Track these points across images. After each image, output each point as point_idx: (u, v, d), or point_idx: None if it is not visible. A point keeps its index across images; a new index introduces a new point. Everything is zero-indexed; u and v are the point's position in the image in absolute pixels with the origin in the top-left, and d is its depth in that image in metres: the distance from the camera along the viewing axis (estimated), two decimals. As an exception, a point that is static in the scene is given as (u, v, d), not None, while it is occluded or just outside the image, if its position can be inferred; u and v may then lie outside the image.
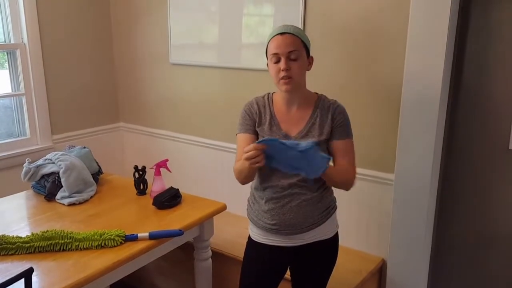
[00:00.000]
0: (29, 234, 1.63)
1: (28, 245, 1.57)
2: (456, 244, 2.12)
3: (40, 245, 1.57)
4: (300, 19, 2.20)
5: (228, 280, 2.19)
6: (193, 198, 2.08)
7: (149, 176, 2.13)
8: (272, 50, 1.53)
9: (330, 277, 2.05)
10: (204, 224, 1.95)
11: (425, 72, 1.90)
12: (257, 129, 1.63)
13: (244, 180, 1.62)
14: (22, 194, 2.14)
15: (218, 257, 2.18)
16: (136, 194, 2.12)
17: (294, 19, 2.21)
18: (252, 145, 1.42)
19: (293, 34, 1.52)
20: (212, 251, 2.08)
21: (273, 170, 1.56)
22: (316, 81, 2.23)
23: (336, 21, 2.12)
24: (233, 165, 1.65)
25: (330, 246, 1.69)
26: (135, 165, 2.11)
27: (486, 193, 2.00)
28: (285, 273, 1.74)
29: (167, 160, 2.10)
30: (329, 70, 2.18)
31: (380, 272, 2.21)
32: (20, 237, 1.61)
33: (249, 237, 1.73)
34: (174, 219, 1.86)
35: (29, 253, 1.57)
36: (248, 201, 1.72)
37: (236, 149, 1.68)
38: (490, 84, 1.92)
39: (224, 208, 2.01)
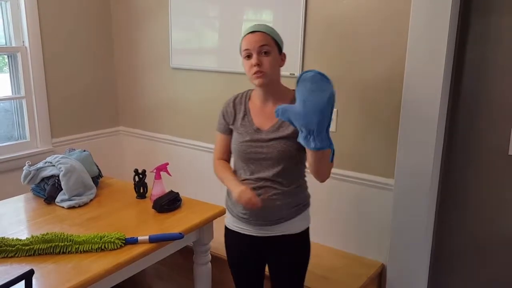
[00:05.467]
0: (29, 236, 1.62)
1: (28, 247, 1.57)
2: (455, 249, 2.13)
3: (40, 247, 1.57)
4: (300, 25, 2.21)
5: (227, 285, 2.18)
6: (193, 202, 2.08)
7: (149, 179, 2.13)
8: (243, 47, 1.58)
9: (330, 282, 2.06)
10: (204, 228, 1.95)
11: (425, 78, 1.91)
12: (231, 127, 1.70)
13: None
14: (22, 197, 2.14)
15: (218, 261, 2.18)
16: (136, 197, 2.12)
17: (294, 25, 2.23)
18: (250, 196, 1.52)
19: (263, 31, 1.57)
20: (211, 255, 2.07)
21: (247, 163, 1.63)
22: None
23: (337, 27, 2.13)
24: (213, 161, 1.76)
25: (299, 241, 1.71)
26: (135, 169, 2.12)
27: (486, 199, 2.01)
28: (264, 264, 1.77)
29: (167, 164, 2.10)
30: (329, 75, 2.19)
31: (380, 277, 2.21)
32: (20, 240, 1.60)
33: (225, 225, 1.80)
34: (174, 223, 1.86)
35: (29, 255, 1.56)
36: (227, 191, 1.75)
37: (215, 146, 1.78)
38: (489, 90, 1.93)
39: (223, 212, 2.01)
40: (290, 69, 2.28)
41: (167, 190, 2.06)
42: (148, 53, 2.93)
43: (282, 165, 1.58)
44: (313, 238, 2.39)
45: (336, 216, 2.31)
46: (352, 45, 2.11)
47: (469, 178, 2.03)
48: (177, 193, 2.04)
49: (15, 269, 1.47)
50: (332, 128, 2.21)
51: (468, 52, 1.95)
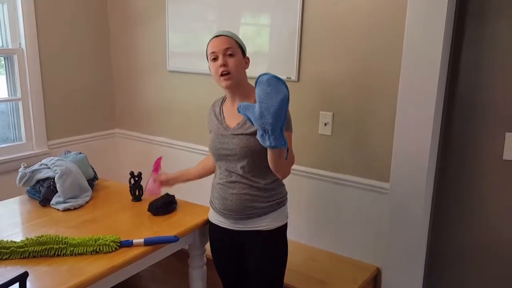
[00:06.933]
0: (23, 239, 1.61)
1: (22, 249, 1.56)
2: (451, 252, 2.13)
3: (35, 250, 1.56)
4: (297, 28, 2.22)
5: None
6: (189, 204, 2.08)
7: (145, 182, 2.13)
8: (210, 50, 1.70)
9: (325, 285, 2.06)
10: (199, 231, 1.95)
11: (420, 82, 1.92)
12: (210, 128, 1.82)
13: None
14: (17, 199, 2.13)
15: (213, 264, 2.17)
16: (132, 200, 2.11)
17: (291, 28, 2.24)
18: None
19: (227, 35, 1.69)
20: (206, 258, 2.07)
21: (219, 159, 1.73)
22: (311, 91, 2.25)
23: (333, 30, 2.14)
24: None
25: (274, 237, 1.75)
26: (131, 171, 2.11)
27: (481, 203, 2.02)
28: (243, 257, 1.80)
29: (160, 158, 2.09)
30: (324, 79, 2.20)
31: (375, 280, 2.21)
32: (15, 242, 1.59)
33: (208, 219, 1.90)
34: (169, 226, 1.85)
35: (23, 258, 1.55)
36: (211, 185, 1.87)
37: None
38: (484, 94, 1.94)
39: (219, 215, 2.01)
40: (287, 73, 2.29)
41: (162, 193, 2.06)
42: (145, 56, 2.93)
43: (246, 160, 1.67)
44: (308, 241, 2.41)
45: (331, 219, 2.31)
46: (348, 47, 2.12)
47: (464, 183, 2.04)
48: (173, 196, 2.04)
49: (10, 271, 1.46)
50: (327, 131, 2.23)
51: (463, 56, 1.97)
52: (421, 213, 2.01)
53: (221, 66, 1.64)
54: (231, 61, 1.65)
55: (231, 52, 1.66)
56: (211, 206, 1.85)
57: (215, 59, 1.67)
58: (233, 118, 1.74)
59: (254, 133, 1.64)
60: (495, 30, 1.88)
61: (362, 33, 2.06)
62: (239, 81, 1.70)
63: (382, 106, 2.07)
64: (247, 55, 1.76)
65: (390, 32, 1.99)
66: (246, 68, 1.74)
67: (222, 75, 1.66)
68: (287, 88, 1.36)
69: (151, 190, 2.03)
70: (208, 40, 1.72)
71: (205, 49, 1.74)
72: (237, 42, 1.70)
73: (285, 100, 1.35)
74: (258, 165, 1.67)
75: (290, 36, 2.26)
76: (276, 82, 1.35)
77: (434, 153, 2.01)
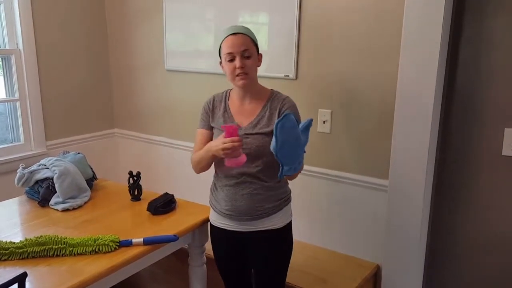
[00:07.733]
0: (22, 239, 1.61)
1: (21, 250, 1.56)
2: (450, 249, 2.13)
3: (34, 250, 1.56)
4: (295, 27, 2.22)
5: (222, 287, 2.18)
6: (188, 203, 2.08)
7: (143, 182, 2.13)
8: (226, 50, 1.64)
9: (325, 283, 2.06)
10: (199, 230, 1.94)
11: (418, 80, 1.92)
12: (212, 124, 1.76)
13: (200, 170, 1.77)
14: (16, 199, 2.12)
15: (213, 263, 2.16)
16: (131, 199, 2.11)
17: (289, 27, 2.23)
18: (230, 139, 1.55)
19: (244, 34, 1.64)
20: (206, 257, 2.07)
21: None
22: (310, 88, 2.25)
23: (331, 29, 2.14)
24: (191, 156, 1.78)
25: (281, 235, 1.76)
26: (130, 171, 2.11)
27: (480, 199, 2.02)
28: (250, 259, 1.81)
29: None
30: (322, 77, 2.20)
31: (375, 278, 2.21)
32: (14, 243, 1.59)
33: (209, 222, 1.87)
34: (168, 225, 1.85)
35: (22, 258, 1.55)
36: (211, 189, 1.84)
37: (195, 142, 1.81)
38: (483, 91, 1.94)
39: (218, 214, 2.01)
40: (285, 71, 2.29)
41: (160, 193, 2.05)
42: (142, 55, 2.93)
43: (261, 160, 1.66)
44: (308, 239, 2.41)
45: (331, 217, 2.31)
46: (345, 46, 2.11)
47: (463, 179, 2.04)
48: (172, 195, 2.04)
49: (9, 272, 1.46)
50: (326, 129, 2.23)
51: (461, 54, 1.97)
52: (420, 210, 2.01)
53: (239, 68, 1.62)
54: (248, 63, 1.63)
55: (249, 54, 1.63)
56: (213, 208, 1.81)
57: (231, 60, 1.64)
58: (243, 116, 1.71)
59: (268, 133, 1.64)
60: (493, 26, 1.88)
61: (359, 30, 2.06)
62: (253, 79, 1.70)
63: (381, 104, 2.06)
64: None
65: (388, 30, 1.99)
66: (259, 66, 1.72)
67: (238, 75, 1.64)
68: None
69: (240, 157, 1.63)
70: (223, 36, 1.67)
71: (208, 46, 1.72)
72: (252, 40, 1.67)
73: (280, 147, 1.45)
74: (270, 165, 1.66)
75: (288, 34, 2.25)
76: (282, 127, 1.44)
77: (433, 150, 2.01)
